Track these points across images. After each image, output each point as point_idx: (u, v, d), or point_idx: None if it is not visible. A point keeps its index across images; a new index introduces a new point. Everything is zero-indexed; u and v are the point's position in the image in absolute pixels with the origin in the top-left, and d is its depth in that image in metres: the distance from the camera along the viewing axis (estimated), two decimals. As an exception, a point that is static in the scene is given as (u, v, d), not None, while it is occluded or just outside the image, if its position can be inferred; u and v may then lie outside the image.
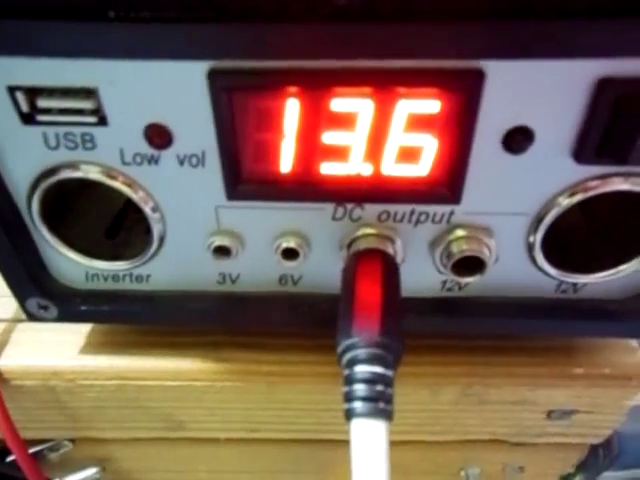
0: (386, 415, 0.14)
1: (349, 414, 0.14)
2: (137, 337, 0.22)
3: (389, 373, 0.14)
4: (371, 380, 0.14)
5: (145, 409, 0.23)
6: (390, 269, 0.17)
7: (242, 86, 0.15)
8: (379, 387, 0.14)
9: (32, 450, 0.25)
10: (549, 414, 0.22)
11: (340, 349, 0.15)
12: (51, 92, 0.15)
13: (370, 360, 0.14)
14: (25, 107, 0.15)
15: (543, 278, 0.19)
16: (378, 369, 0.14)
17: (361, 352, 0.14)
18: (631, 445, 0.34)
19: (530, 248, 0.18)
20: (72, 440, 0.25)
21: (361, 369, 0.14)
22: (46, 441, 0.25)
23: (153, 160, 0.16)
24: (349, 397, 0.14)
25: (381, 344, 0.14)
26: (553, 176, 0.16)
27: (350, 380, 0.14)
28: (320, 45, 0.13)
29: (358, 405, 0.14)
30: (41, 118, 0.16)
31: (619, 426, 0.23)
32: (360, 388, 0.14)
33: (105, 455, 0.26)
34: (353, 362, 0.14)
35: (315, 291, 0.20)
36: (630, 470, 0.39)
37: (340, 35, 0.13)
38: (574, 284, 0.19)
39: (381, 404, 0.14)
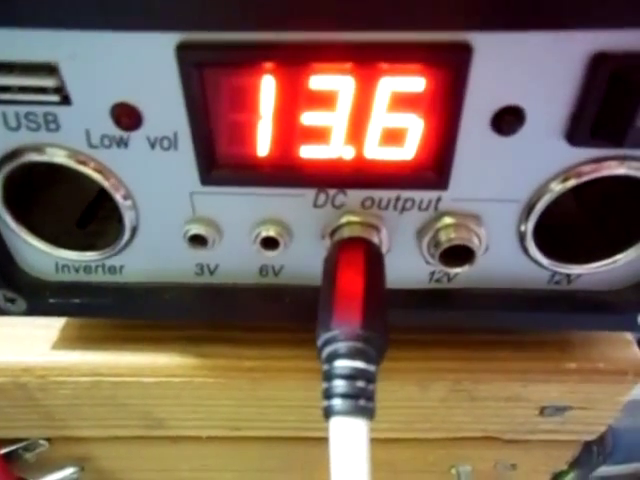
0: (367, 413, 0.13)
1: (328, 412, 0.13)
2: (112, 331, 0.21)
3: (371, 368, 0.13)
4: (351, 376, 0.13)
5: (122, 406, 0.22)
6: (374, 259, 0.16)
7: (214, 61, 0.14)
8: (360, 383, 0.13)
9: (5, 450, 0.24)
10: (542, 410, 0.22)
11: (319, 342, 0.14)
12: (10, 68, 0.14)
13: (351, 354, 0.13)
14: (-18, 85, 0.14)
15: (535, 269, 0.18)
16: (359, 364, 0.13)
17: (341, 346, 0.13)
18: (625, 440, 0.33)
19: (522, 237, 0.17)
20: (48, 439, 0.24)
21: (341, 364, 0.13)
22: (21, 440, 0.24)
23: (122, 142, 0.15)
24: (328, 394, 0.13)
25: (362, 337, 0.14)
26: (545, 159, 0.15)
27: (329, 376, 0.13)
28: (296, 15, 0.12)
29: (337, 402, 0.13)
30: (0, 97, 0.15)
31: (613, 421, 0.23)
32: (340, 384, 0.13)
33: (83, 454, 0.25)
34: (333, 356, 0.14)
35: (298, 282, 0.19)
36: (624, 465, 0.39)
37: (318, 4, 0.12)
38: (568, 275, 0.18)
39: (362, 401, 0.13)
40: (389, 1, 0.12)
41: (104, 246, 0.18)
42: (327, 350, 0.14)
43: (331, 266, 0.16)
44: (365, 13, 0.12)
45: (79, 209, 0.20)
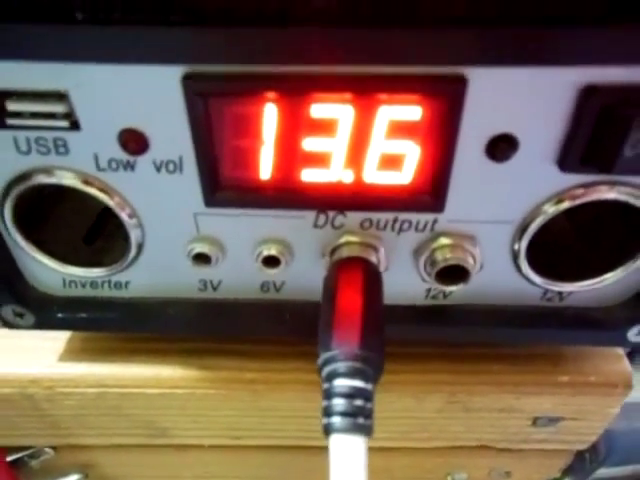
0: (365, 430, 0.13)
1: (328, 429, 0.14)
2: (117, 343, 0.22)
3: (369, 387, 0.14)
4: (350, 394, 0.14)
5: (127, 416, 0.23)
6: (372, 278, 0.17)
7: (218, 91, 0.14)
8: (358, 402, 0.14)
9: (11, 457, 0.24)
10: (535, 421, 0.22)
11: (320, 361, 0.15)
12: (21, 95, 0.15)
13: (349, 374, 0.14)
14: (-6, 111, 0.15)
15: (528, 286, 0.18)
16: (357, 383, 0.14)
17: (340, 365, 0.14)
18: (621, 442, 0.34)
19: (515, 256, 0.18)
20: (53, 447, 0.25)
21: (340, 383, 0.14)
22: (27, 448, 0.25)
23: (129, 166, 0.16)
24: (328, 412, 0.14)
25: (361, 357, 0.14)
26: (538, 184, 0.16)
27: (329, 394, 0.14)
28: (297, 50, 0.13)
29: (337, 420, 0.13)
30: (11, 122, 0.15)
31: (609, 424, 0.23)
32: (339, 403, 0.14)
33: (87, 461, 0.26)
34: (332, 375, 0.14)
35: (298, 298, 0.20)
36: (621, 467, 0.39)
37: (318, 39, 0.13)
38: (560, 292, 0.19)
39: (360, 419, 0.13)
40: (388, 38, 0.13)
41: (110, 262, 0.19)
42: (327, 369, 0.14)
43: (331, 286, 0.16)
44: (364, 49, 0.13)
45: (86, 225, 0.20)
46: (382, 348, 0.15)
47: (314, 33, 0.13)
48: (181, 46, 0.13)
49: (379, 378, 0.14)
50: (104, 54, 0.13)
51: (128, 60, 0.13)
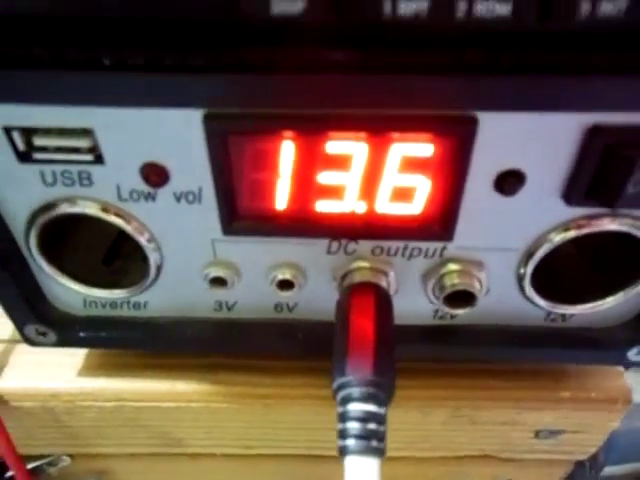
0: (378, 453, 0.14)
1: (343, 451, 0.14)
2: (134, 359, 0.23)
3: (381, 411, 0.15)
4: (364, 418, 0.14)
5: (143, 427, 0.24)
6: (383, 303, 0.17)
7: (238, 130, 0.15)
8: (371, 425, 0.14)
9: (31, 465, 0.25)
10: (537, 434, 0.23)
11: (335, 385, 0.15)
12: (47, 131, 0.15)
13: (363, 398, 0.15)
14: (22, 146, 0.15)
15: (532, 308, 0.19)
16: (371, 407, 0.15)
17: (354, 390, 0.15)
18: (621, 442, 0.35)
19: (520, 279, 0.18)
20: (70, 455, 0.26)
21: (354, 407, 0.15)
22: (45, 457, 0.26)
23: (150, 197, 0.17)
24: (343, 434, 0.14)
25: (374, 383, 0.15)
26: (543, 215, 0.16)
27: (344, 418, 0.15)
28: (315, 96, 0.14)
29: (351, 443, 0.14)
30: (38, 156, 0.16)
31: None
32: (354, 427, 0.14)
33: (103, 469, 0.27)
34: (347, 400, 0.15)
35: (310, 318, 0.20)
36: (620, 465, 0.40)
37: (336, 87, 0.13)
38: (563, 314, 0.19)
39: (374, 442, 0.14)
40: (402, 85, 0.13)
41: (129, 283, 0.19)
42: (342, 393, 0.15)
43: (344, 311, 0.17)
44: (380, 94, 0.13)
45: (104, 247, 0.21)
46: (393, 371, 0.15)
47: (332, 81, 0.13)
48: (202, 90, 0.14)
49: (391, 399, 0.15)
50: (130, 98, 0.14)
51: (153, 104, 0.14)
